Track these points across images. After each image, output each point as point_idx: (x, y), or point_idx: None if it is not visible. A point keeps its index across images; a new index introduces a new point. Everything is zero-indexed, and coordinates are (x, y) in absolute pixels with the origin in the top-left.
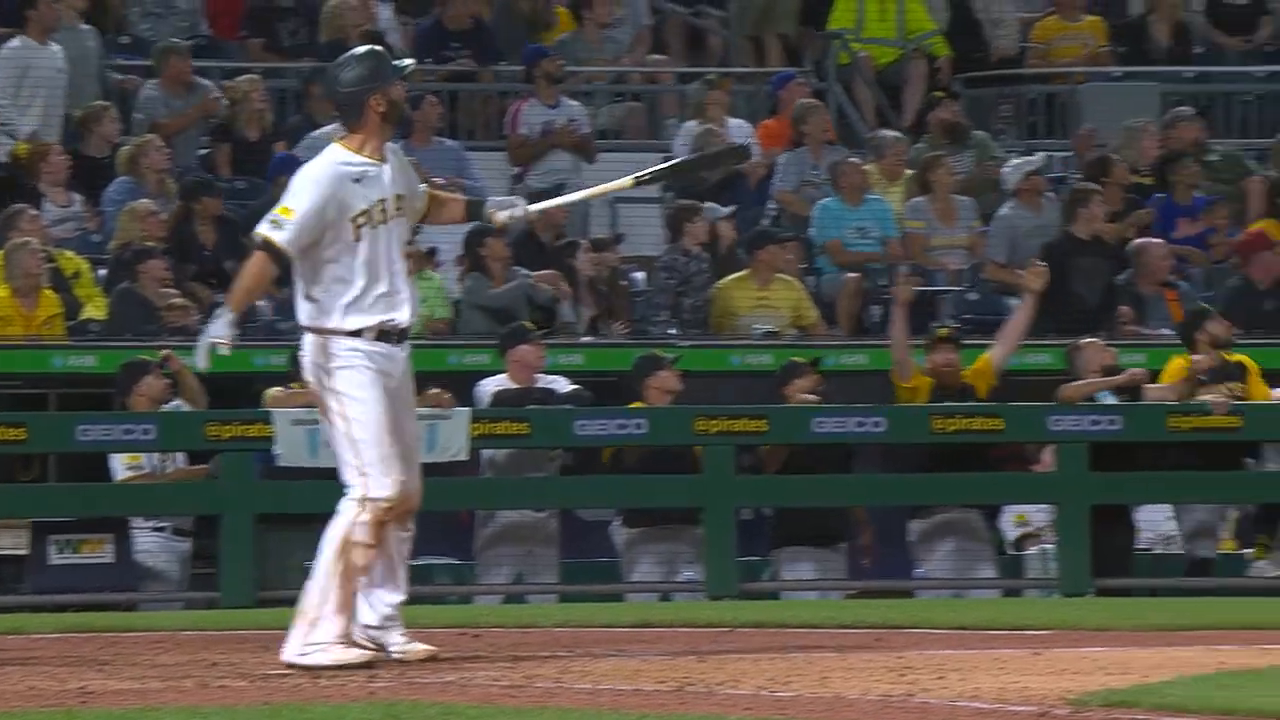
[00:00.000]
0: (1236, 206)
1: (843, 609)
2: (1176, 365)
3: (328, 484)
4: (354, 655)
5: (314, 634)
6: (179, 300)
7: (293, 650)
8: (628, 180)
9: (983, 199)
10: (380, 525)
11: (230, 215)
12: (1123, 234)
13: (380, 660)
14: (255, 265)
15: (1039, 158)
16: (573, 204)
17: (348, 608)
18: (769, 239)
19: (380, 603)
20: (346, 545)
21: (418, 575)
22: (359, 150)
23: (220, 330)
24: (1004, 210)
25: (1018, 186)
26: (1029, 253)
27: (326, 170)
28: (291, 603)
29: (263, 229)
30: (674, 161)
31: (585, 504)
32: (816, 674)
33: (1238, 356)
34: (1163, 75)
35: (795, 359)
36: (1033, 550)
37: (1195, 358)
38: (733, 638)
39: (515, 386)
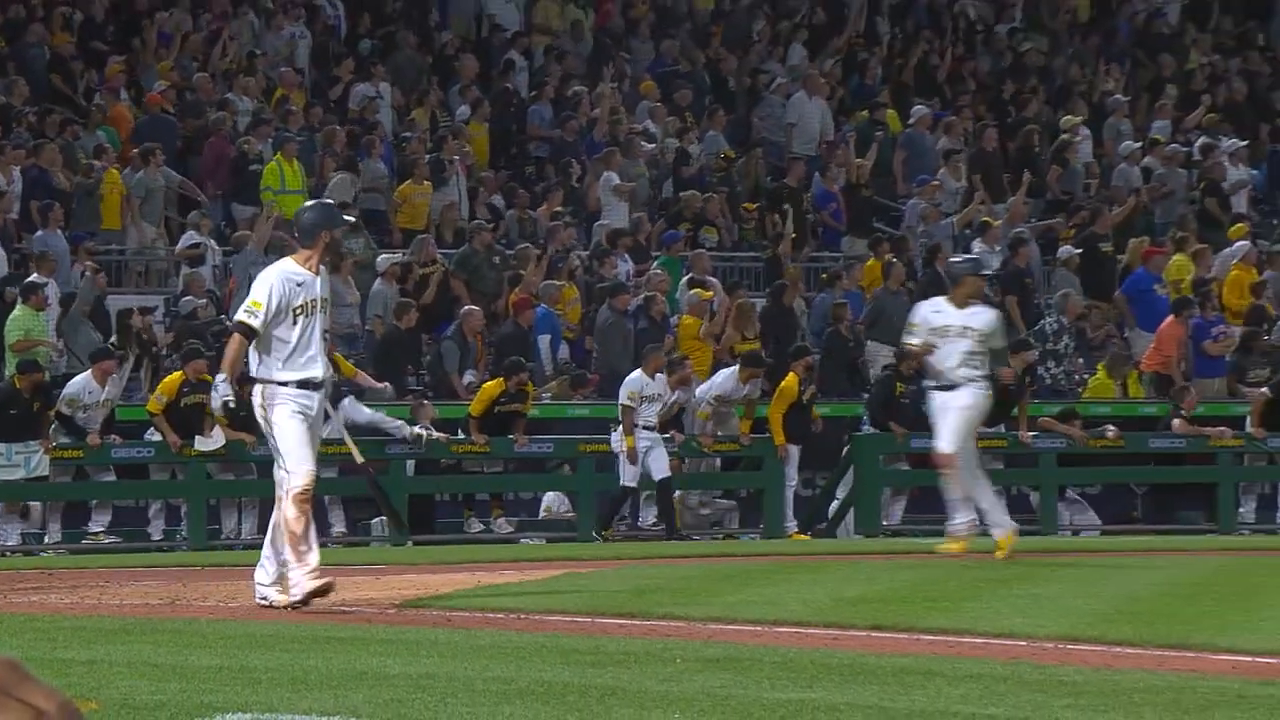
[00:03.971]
0: None
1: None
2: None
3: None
4: (320, 583)
5: (292, 574)
6: None
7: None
8: (360, 459)
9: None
10: (302, 501)
11: None
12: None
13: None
14: (236, 343)
15: (400, 254)
16: (339, 427)
17: (299, 550)
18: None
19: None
20: (283, 515)
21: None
22: (303, 264)
23: (226, 391)
24: (377, 286)
25: (385, 270)
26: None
27: (279, 276)
28: None
29: (241, 316)
30: (379, 490)
31: (135, 495)
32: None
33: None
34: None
35: None
36: (376, 520)
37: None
38: (203, 574)
39: (97, 387)
